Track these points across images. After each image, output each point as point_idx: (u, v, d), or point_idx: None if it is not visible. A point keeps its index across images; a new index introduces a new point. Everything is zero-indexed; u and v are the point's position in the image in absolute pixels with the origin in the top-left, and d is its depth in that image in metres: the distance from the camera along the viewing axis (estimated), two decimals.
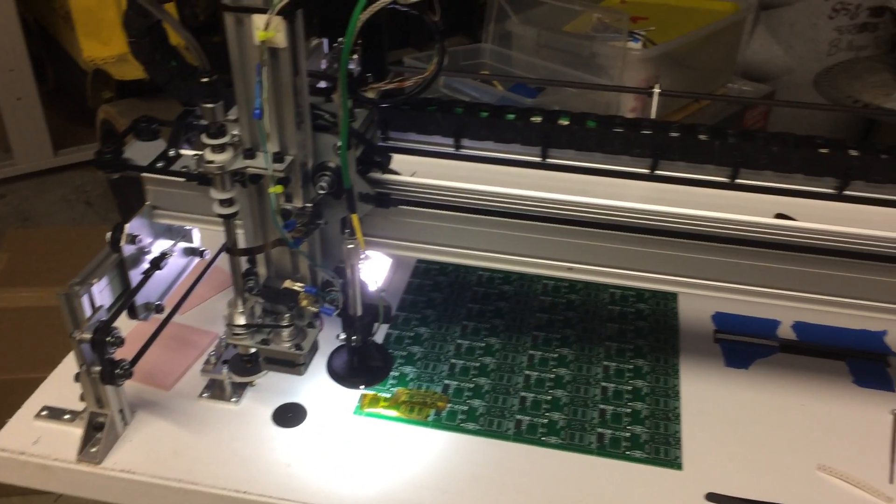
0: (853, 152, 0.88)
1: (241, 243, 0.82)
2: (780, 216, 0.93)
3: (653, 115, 1.14)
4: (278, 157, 0.75)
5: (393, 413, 0.88)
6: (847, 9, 2.30)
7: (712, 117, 2.09)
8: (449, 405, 0.89)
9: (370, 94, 0.83)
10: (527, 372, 0.93)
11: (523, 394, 0.90)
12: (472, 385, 0.91)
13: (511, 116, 0.95)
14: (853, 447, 0.83)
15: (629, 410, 0.88)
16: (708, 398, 0.89)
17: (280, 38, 0.69)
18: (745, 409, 0.88)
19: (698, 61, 2.12)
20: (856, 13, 2.30)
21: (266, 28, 0.68)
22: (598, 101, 1.97)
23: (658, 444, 0.84)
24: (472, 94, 1.96)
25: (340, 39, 0.72)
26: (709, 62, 2.16)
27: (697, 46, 2.07)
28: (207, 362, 0.90)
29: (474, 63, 2.13)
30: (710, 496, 0.78)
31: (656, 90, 1.13)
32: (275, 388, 0.90)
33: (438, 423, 0.87)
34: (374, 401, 0.89)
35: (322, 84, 0.84)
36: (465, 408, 0.88)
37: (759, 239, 0.83)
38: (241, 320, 0.82)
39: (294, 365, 0.83)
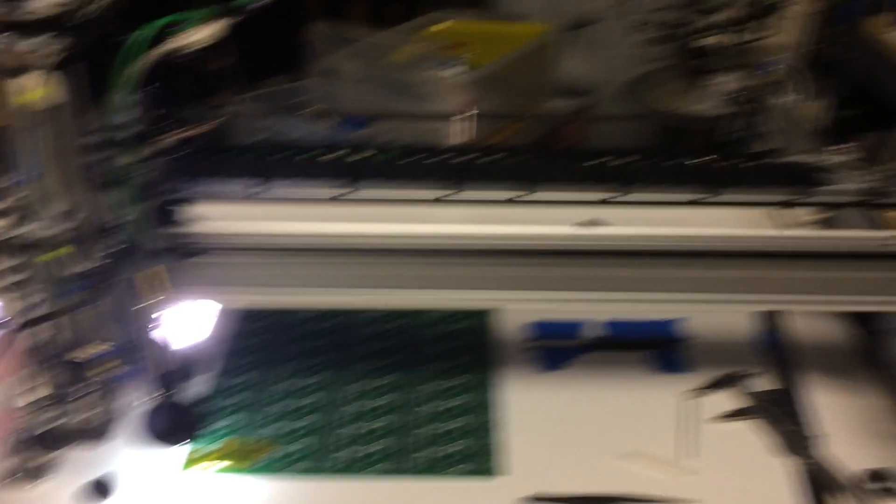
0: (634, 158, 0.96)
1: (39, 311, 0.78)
2: (591, 222, 0.99)
3: (468, 137, 1.18)
4: (63, 218, 0.72)
5: (223, 464, 0.86)
6: (643, 25, 2.48)
7: (533, 135, 2.18)
8: (282, 447, 0.88)
9: (161, 145, 0.82)
10: (356, 402, 0.94)
11: (356, 425, 0.91)
12: (303, 424, 0.91)
13: (314, 152, 0.96)
14: (657, 429, 0.90)
15: (454, 427, 0.91)
16: (526, 404, 0.93)
17: (50, 97, 0.67)
18: (561, 409, 0.93)
19: (516, 82, 2.22)
20: (650, 29, 2.49)
21: (30, 90, 0.66)
22: (427, 128, 2.02)
23: (483, 454, 0.87)
24: (300, 133, 1.96)
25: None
26: (526, 82, 2.27)
27: (513, 68, 2.17)
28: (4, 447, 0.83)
29: (301, 101, 2.14)
30: (533, 498, 0.82)
31: (465, 114, 1.17)
32: (85, 461, 0.84)
33: (270, 468, 0.86)
34: (201, 455, 0.87)
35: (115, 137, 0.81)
36: (299, 446, 0.88)
37: (555, 248, 0.88)
38: (36, 395, 0.77)
39: (100, 434, 0.80)
